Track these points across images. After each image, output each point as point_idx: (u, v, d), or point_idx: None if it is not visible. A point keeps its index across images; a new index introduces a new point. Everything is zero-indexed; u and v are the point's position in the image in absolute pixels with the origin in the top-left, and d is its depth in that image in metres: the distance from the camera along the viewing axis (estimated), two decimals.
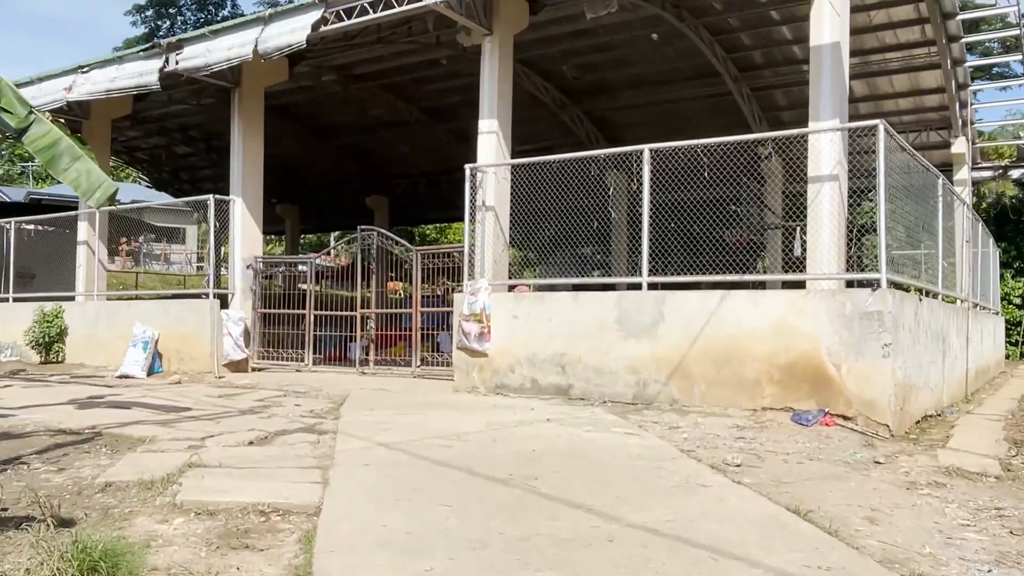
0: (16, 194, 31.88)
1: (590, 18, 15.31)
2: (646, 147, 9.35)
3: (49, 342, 14.68)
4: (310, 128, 24.73)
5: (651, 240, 9.24)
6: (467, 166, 10.71)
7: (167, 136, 26.04)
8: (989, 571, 4.22)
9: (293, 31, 11.06)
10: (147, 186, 33.95)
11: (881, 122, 8.02)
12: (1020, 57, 21.69)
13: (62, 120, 7.31)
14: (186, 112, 22.24)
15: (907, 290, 9.02)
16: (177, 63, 12.37)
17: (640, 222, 9.40)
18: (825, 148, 8.68)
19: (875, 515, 5.15)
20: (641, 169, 9.30)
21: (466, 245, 10.62)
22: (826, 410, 8.04)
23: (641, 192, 9.27)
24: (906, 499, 5.62)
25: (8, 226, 16.27)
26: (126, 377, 12.72)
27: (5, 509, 4.96)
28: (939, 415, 9.62)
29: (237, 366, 13.02)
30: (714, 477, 5.84)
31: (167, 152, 27.93)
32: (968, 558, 4.39)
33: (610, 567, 3.88)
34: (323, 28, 11.04)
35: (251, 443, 6.93)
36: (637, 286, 9.29)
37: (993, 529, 4.98)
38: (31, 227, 17.22)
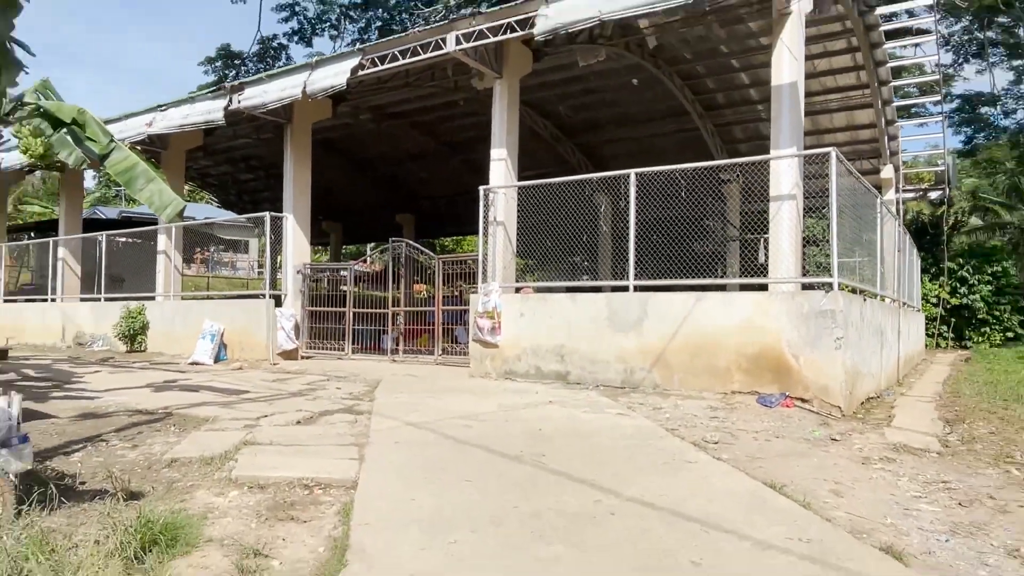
0: (111, 212, 31.62)
1: (582, 66, 14.99)
2: (632, 171, 9.02)
3: (133, 334, 14.37)
4: (350, 159, 24.48)
5: (636, 249, 8.90)
6: (481, 188, 10.39)
7: (233, 165, 25.82)
8: (947, 540, 3.89)
9: (336, 75, 10.75)
10: (217, 206, 33.65)
11: (833, 150, 7.69)
12: (936, 99, 21.37)
13: (138, 148, 6.99)
14: (248, 145, 21.95)
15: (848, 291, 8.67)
16: (239, 102, 12.06)
17: (626, 235, 9.07)
18: (785, 172, 8.34)
19: (839, 488, 4.82)
20: (628, 190, 8.96)
21: (480, 253, 10.29)
22: (786, 393, 7.70)
23: (628, 209, 8.94)
24: (863, 473, 5.28)
25: (100, 239, 15.98)
26: (196, 364, 12.41)
27: (83, 483, 4.65)
28: (879, 397, 9.26)
29: (289, 355, 12.70)
30: (697, 454, 5.50)
31: (232, 178, 27.69)
32: (926, 528, 4.07)
33: (614, 540, 3.56)
34: (360, 73, 10.72)
35: (298, 423, 6.61)
36: (625, 288, 8.95)
37: (943, 501, 4.65)
38: (121, 239, 16.89)
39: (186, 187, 30.09)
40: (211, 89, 12.64)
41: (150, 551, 3.36)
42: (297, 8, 28.35)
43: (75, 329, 15.88)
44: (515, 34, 9.26)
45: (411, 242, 12.73)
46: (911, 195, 19.97)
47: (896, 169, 18.66)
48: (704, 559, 3.31)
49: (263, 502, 4.25)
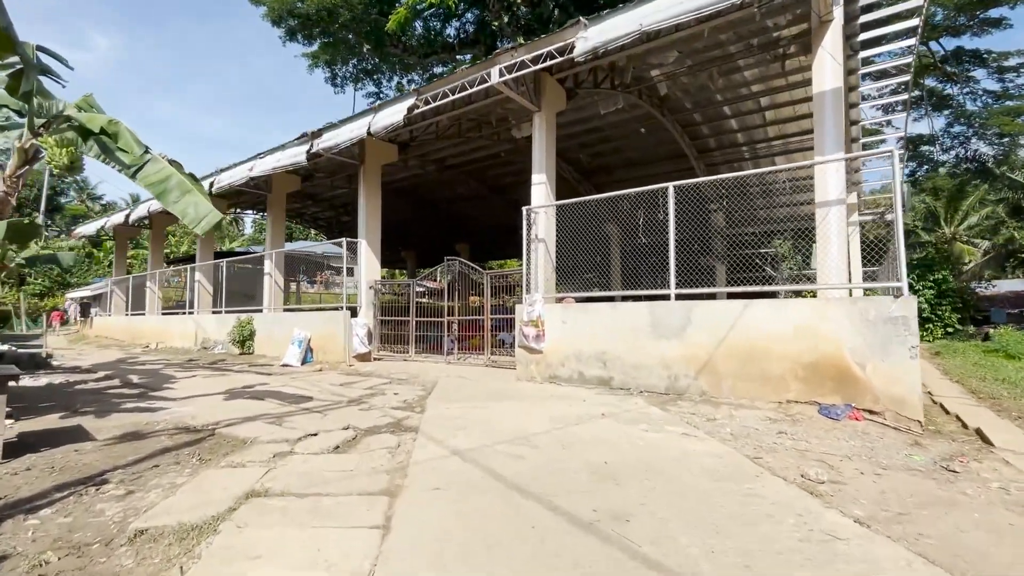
0: (259, 249, 30.04)
1: (603, 113, 12.54)
2: (671, 184, 6.46)
3: (243, 340, 12.25)
4: (420, 201, 22.34)
5: (676, 259, 6.30)
6: (524, 208, 7.93)
7: (335, 210, 23.92)
8: None
9: (394, 114, 8.44)
10: (327, 240, 31.93)
11: (896, 147, 5.04)
12: (882, 139, 18.35)
13: (178, 162, 4.68)
14: (345, 194, 19.90)
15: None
16: (318, 146, 9.83)
17: (664, 246, 6.50)
18: (832, 177, 5.70)
19: None
20: (667, 203, 6.40)
21: (524, 267, 7.81)
22: (852, 404, 5.02)
23: (667, 221, 6.36)
24: None
25: (222, 264, 13.96)
26: (286, 366, 10.17)
27: None
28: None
29: (363, 357, 10.37)
30: (824, 511, 2.85)
31: (336, 220, 25.76)
32: None
33: None
34: (415, 111, 8.39)
35: (337, 448, 4.18)
36: (665, 297, 6.36)
37: None
38: (237, 265, 14.83)
39: (312, 231, 28.38)
40: (297, 137, 10.48)
41: None
42: (381, 95, 26.49)
43: (203, 335, 13.86)
44: (555, 60, 6.81)
45: (463, 260, 10.28)
46: (870, 217, 16.83)
47: (859, 196, 15.65)
48: None
49: None
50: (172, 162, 4.65)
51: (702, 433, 4.53)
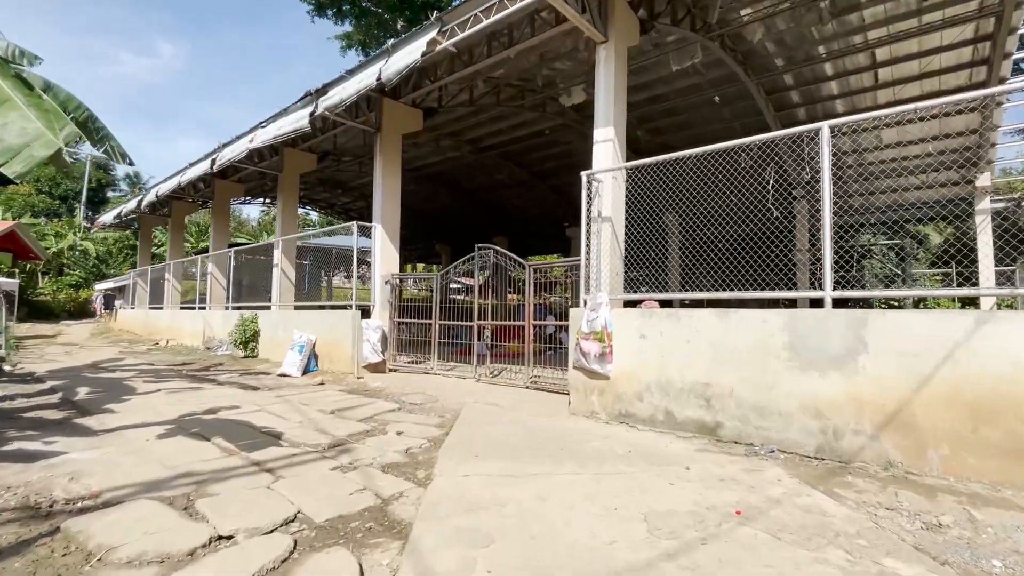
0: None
1: (675, 69, 10.15)
2: (825, 124, 4.12)
3: (246, 341, 10.56)
4: (455, 189, 20.43)
5: (833, 244, 3.93)
6: (583, 173, 5.65)
7: (366, 200, 22.35)
8: None
9: (410, 53, 6.34)
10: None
11: None
12: None
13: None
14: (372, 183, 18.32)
15: None
16: (323, 105, 7.87)
17: (815, 230, 4.15)
18: None
19: None
20: (820, 151, 4.04)
21: (583, 256, 5.55)
22: None
23: (820, 182, 4.00)
24: None
25: (231, 254, 12.36)
26: (284, 376, 8.35)
27: None
28: None
29: (376, 367, 8.41)
30: None
31: (367, 210, 24.26)
32: None
33: None
34: (437, 48, 6.26)
35: None
36: (817, 303, 3.99)
37: None
38: (245, 255, 13.18)
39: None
40: (300, 98, 8.60)
41: None
42: None
43: (209, 333, 12.32)
44: None
45: (499, 249, 8.10)
46: (1002, 204, 13.57)
47: (991, 176, 12.56)
48: None
49: None
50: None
51: None
